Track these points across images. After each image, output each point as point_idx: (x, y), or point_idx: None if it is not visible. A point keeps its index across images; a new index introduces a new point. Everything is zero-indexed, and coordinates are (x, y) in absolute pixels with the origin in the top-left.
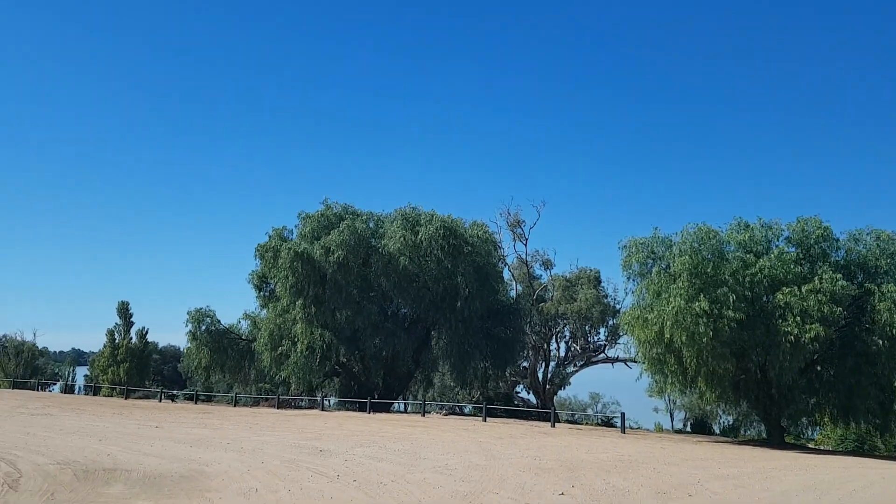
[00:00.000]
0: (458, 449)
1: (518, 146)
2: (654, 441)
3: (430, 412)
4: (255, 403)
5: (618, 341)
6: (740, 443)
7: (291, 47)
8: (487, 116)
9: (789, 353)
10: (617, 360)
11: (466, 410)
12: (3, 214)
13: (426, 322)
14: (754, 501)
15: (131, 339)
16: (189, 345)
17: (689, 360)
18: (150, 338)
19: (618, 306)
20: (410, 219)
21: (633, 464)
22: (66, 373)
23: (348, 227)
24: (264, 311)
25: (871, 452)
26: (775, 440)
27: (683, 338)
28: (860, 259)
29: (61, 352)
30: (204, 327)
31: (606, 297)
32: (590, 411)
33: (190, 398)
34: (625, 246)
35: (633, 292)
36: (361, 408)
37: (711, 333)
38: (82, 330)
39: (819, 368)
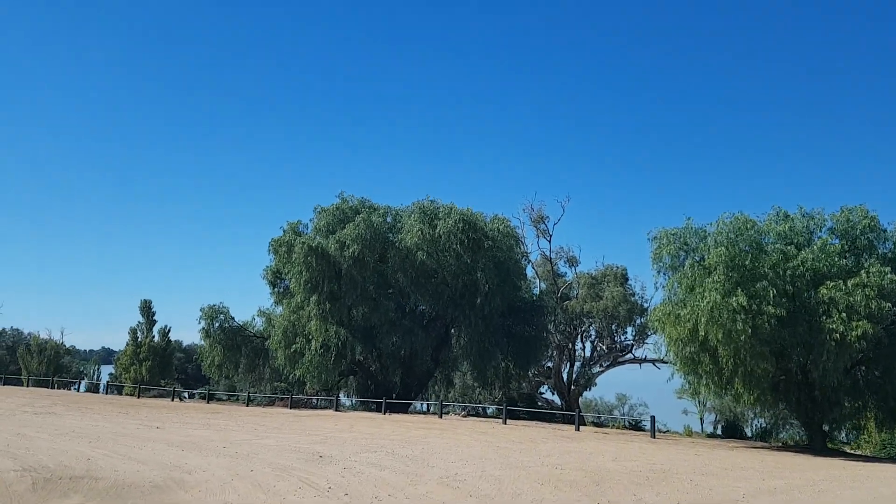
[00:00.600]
0: (473, 455)
1: (541, 142)
2: (686, 447)
3: (448, 413)
4: (270, 403)
5: (646, 341)
6: (778, 448)
7: (308, 42)
8: (510, 113)
9: (834, 353)
10: (645, 360)
11: (489, 412)
12: (40, 218)
13: (445, 319)
14: None
15: (153, 337)
16: (203, 342)
17: (725, 360)
18: (174, 336)
19: (645, 304)
20: (428, 212)
21: (666, 474)
22: (92, 371)
23: (364, 221)
24: (279, 307)
25: None
26: (817, 446)
27: (719, 335)
28: None
29: (91, 350)
30: (217, 324)
31: (633, 295)
32: (616, 413)
33: (203, 397)
34: (655, 237)
35: (663, 287)
36: (378, 408)
37: (750, 331)
38: (112, 328)
39: (865, 369)
